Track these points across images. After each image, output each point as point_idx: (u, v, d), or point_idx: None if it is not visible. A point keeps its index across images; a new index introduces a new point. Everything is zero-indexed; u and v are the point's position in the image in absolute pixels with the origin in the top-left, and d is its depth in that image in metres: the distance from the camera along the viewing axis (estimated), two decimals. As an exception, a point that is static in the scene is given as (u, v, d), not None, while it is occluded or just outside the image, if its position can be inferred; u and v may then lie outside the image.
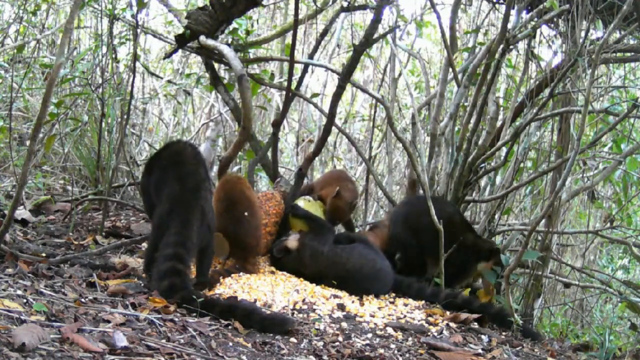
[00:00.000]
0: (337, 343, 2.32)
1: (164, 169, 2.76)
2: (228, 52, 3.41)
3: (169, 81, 5.58)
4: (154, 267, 2.53)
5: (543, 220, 3.57)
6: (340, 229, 3.75)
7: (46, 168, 4.34)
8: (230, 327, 2.28)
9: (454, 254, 3.21)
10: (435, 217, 3.14)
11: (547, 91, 3.81)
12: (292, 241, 3.14)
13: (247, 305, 2.46)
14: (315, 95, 4.35)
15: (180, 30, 3.64)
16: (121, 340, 1.85)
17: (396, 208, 3.75)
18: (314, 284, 3.00)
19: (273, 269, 3.17)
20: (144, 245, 3.34)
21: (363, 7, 3.96)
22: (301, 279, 3.06)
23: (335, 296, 2.89)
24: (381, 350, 2.32)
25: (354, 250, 3.11)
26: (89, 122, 4.07)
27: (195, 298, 2.32)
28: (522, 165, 4.20)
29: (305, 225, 3.28)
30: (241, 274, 2.94)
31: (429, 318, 2.82)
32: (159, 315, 2.19)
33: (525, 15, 3.92)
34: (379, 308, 2.85)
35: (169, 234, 2.52)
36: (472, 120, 3.77)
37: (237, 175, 3.64)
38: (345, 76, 3.39)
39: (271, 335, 2.29)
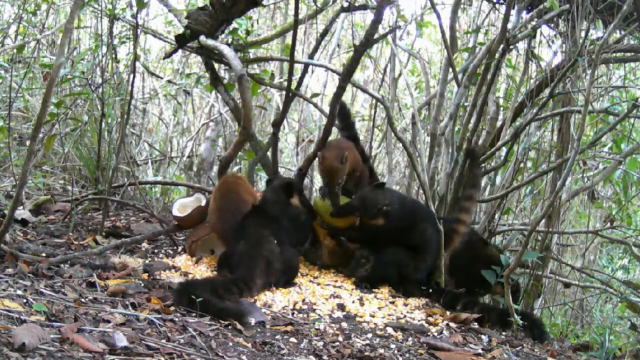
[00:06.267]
0: (337, 343, 2.32)
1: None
2: (228, 52, 3.40)
3: (169, 81, 5.58)
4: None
5: (543, 220, 3.57)
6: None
7: (46, 168, 4.33)
8: (230, 327, 2.28)
9: (476, 269, 3.26)
10: (436, 218, 3.15)
11: (547, 91, 3.82)
12: None
13: (205, 297, 2.46)
14: (315, 95, 4.34)
15: (180, 30, 3.64)
16: (121, 340, 1.85)
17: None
18: (314, 284, 3.00)
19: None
20: (144, 245, 3.34)
21: (363, 7, 3.95)
22: (303, 277, 3.07)
23: (335, 296, 2.89)
24: (381, 350, 2.32)
25: None
26: (89, 122, 4.06)
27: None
28: (522, 165, 4.20)
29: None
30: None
31: (429, 318, 2.81)
32: (159, 315, 2.19)
33: (525, 15, 3.92)
34: (379, 308, 2.85)
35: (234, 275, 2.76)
36: (472, 120, 3.77)
37: (236, 176, 3.64)
38: (346, 76, 3.38)
39: (271, 335, 2.29)
